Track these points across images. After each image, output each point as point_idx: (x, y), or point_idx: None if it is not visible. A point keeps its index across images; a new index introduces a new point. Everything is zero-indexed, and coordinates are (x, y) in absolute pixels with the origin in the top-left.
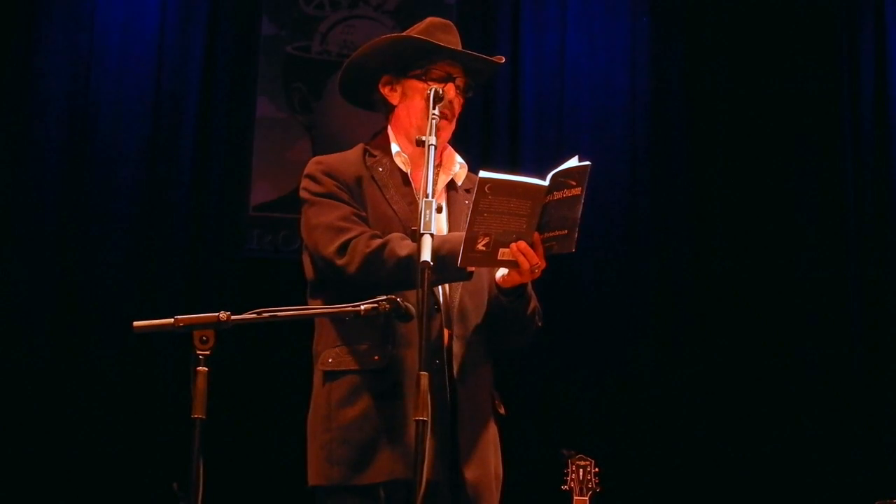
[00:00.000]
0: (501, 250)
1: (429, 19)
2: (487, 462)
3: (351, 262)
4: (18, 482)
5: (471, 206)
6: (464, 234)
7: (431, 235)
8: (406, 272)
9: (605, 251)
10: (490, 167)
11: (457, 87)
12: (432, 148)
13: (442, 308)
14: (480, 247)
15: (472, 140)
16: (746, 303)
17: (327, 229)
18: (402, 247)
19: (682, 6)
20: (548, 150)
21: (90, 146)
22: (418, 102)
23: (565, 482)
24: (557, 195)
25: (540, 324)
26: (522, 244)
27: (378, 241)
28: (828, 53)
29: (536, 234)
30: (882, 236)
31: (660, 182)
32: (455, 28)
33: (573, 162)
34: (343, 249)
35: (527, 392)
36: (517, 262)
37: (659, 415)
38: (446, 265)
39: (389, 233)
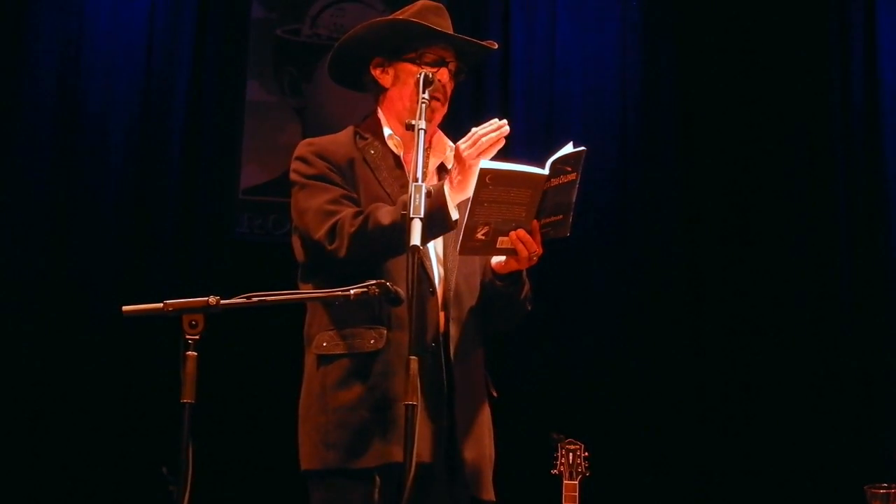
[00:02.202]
0: (500, 239)
1: (421, 2)
2: (483, 443)
3: (340, 246)
4: (7, 466)
5: (471, 196)
6: (442, 183)
7: (421, 220)
8: (395, 239)
9: (595, 235)
10: None
11: (449, 72)
12: (422, 132)
13: (438, 290)
14: (480, 236)
15: (463, 124)
16: (736, 287)
17: (317, 213)
18: (384, 214)
19: None
20: (538, 135)
21: (80, 130)
22: (411, 86)
23: (555, 466)
24: (555, 182)
25: (530, 307)
26: (522, 233)
27: (360, 218)
28: (818, 37)
29: (535, 222)
30: (872, 224)
31: (650, 166)
32: (446, 11)
33: (568, 148)
34: (332, 234)
35: (518, 375)
36: (516, 250)
37: (648, 399)
38: (433, 222)
39: None
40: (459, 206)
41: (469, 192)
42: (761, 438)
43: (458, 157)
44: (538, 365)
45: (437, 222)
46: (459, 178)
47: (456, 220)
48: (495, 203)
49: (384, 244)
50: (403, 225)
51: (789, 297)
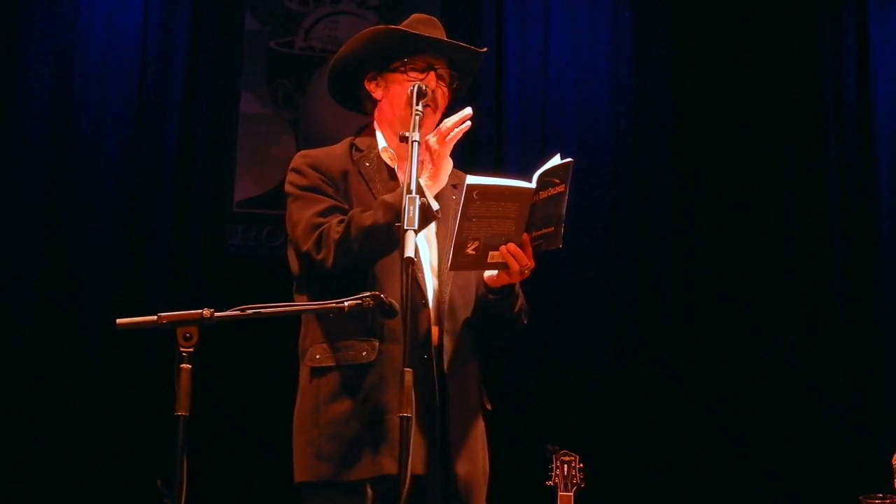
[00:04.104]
0: (491, 253)
1: (413, 15)
2: (477, 456)
3: (327, 256)
4: (1, 478)
5: (459, 210)
6: (423, 179)
7: (415, 231)
8: (378, 240)
9: (588, 247)
10: (474, 164)
11: (439, 77)
12: (416, 144)
13: (431, 303)
14: (470, 251)
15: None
16: (730, 297)
17: (307, 225)
18: (364, 218)
19: (665, 0)
20: (532, 146)
21: (74, 143)
22: (400, 95)
23: (550, 478)
24: (543, 194)
25: (526, 321)
26: (512, 247)
27: (343, 224)
28: (810, 47)
29: (525, 235)
30: (865, 231)
31: (643, 177)
32: (439, 23)
33: (556, 160)
34: (318, 244)
35: (512, 387)
36: (507, 264)
37: (643, 410)
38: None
39: None
40: (450, 216)
41: (442, 181)
42: (758, 450)
43: (427, 147)
44: (533, 376)
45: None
46: (431, 168)
47: (437, 211)
48: (484, 218)
49: (367, 246)
50: (386, 225)
51: (786, 306)
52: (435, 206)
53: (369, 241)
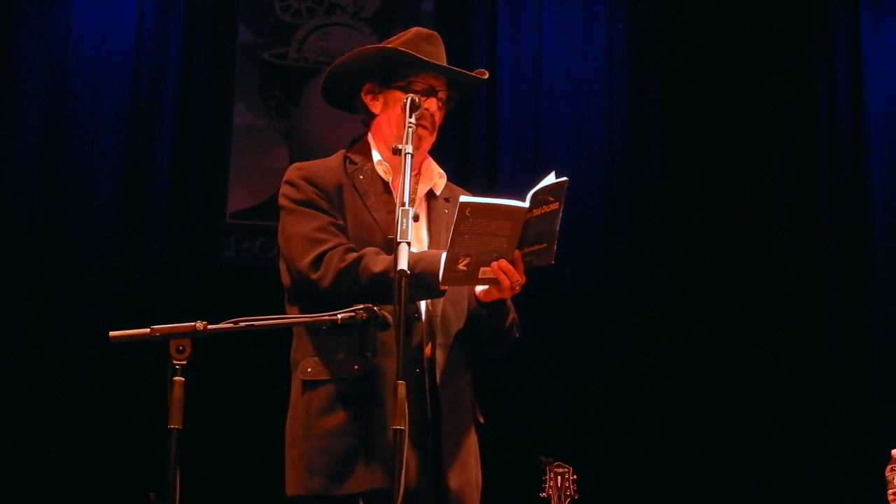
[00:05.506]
0: (482, 269)
1: (414, 30)
2: (469, 470)
3: (324, 277)
4: None
5: (451, 225)
6: (440, 252)
7: (408, 244)
8: (380, 288)
9: (582, 257)
10: (468, 174)
11: (439, 100)
12: (408, 156)
13: (423, 317)
14: (461, 267)
15: (450, 146)
16: (725, 307)
17: (303, 240)
18: (377, 262)
19: (658, 10)
20: (525, 157)
21: (66, 153)
22: (399, 112)
23: (543, 489)
24: (537, 212)
25: (518, 335)
26: (504, 263)
27: (353, 256)
28: (803, 58)
29: (517, 252)
30: (857, 229)
31: (637, 187)
32: (440, 39)
33: (551, 178)
34: (317, 263)
35: (504, 399)
36: (498, 280)
37: (637, 421)
38: (420, 283)
39: (369, 240)
40: (442, 231)
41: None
42: (751, 462)
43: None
44: (526, 388)
45: (425, 285)
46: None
47: (444, 291)
48: (476, 235)
49: (369, 290)
50: (394, 281)
51: (780, 313)
52: (443, 286)
53: (371, 285)
